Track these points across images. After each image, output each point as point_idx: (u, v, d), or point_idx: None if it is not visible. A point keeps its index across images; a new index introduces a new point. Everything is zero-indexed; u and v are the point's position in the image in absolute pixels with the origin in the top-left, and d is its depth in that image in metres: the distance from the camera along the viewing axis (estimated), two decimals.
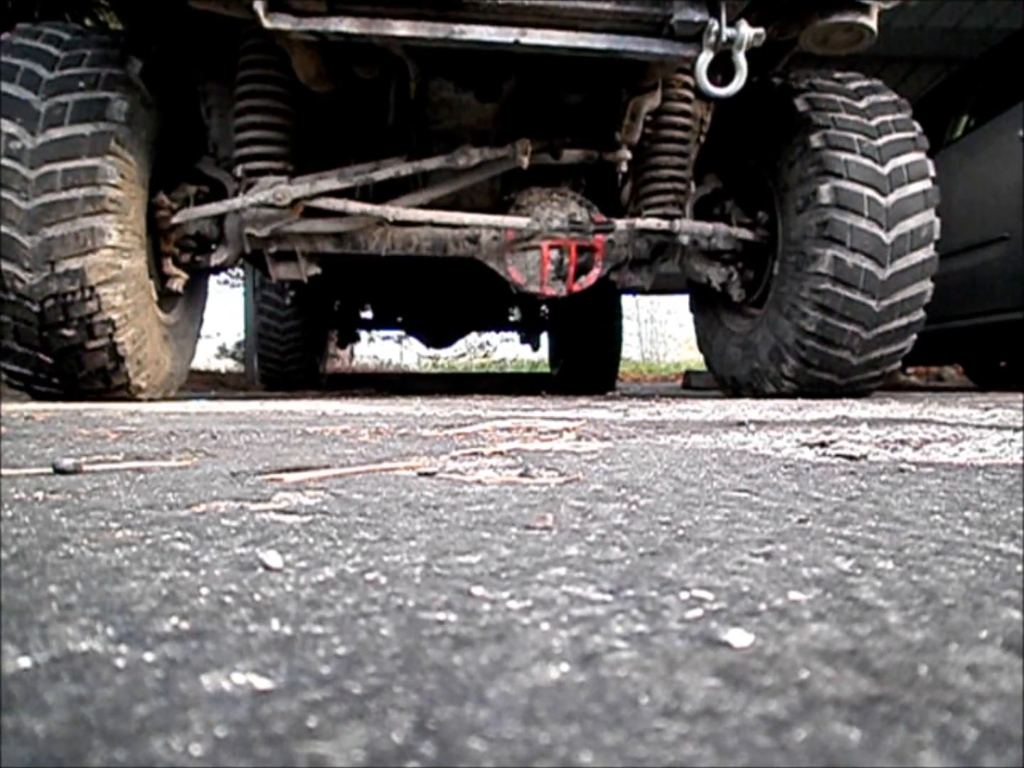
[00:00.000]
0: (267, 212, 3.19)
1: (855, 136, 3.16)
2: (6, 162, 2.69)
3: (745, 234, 3.54)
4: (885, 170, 3.12)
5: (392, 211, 3.23)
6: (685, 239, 3.48)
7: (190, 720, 0.30)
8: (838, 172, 3.10)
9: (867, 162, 3.12)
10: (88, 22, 6.29)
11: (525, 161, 3.25)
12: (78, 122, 2.76)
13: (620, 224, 3.44)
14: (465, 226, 3.37)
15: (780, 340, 3.34)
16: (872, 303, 3.12)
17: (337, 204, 3.19)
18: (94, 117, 2.79)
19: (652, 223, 3.45)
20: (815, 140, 3.16)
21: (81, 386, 2.99)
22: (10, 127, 2.71)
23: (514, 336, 8.71)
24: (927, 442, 1.34)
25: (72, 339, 2.85)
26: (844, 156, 3.11)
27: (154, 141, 3.06)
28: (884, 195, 3.10)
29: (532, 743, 0.28)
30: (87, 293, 2.80)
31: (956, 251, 3.44)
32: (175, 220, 3.21)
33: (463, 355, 17.97)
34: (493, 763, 0.27)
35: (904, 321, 3.20)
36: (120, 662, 0.36)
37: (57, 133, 2.73)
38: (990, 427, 1.63)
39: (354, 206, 3.20)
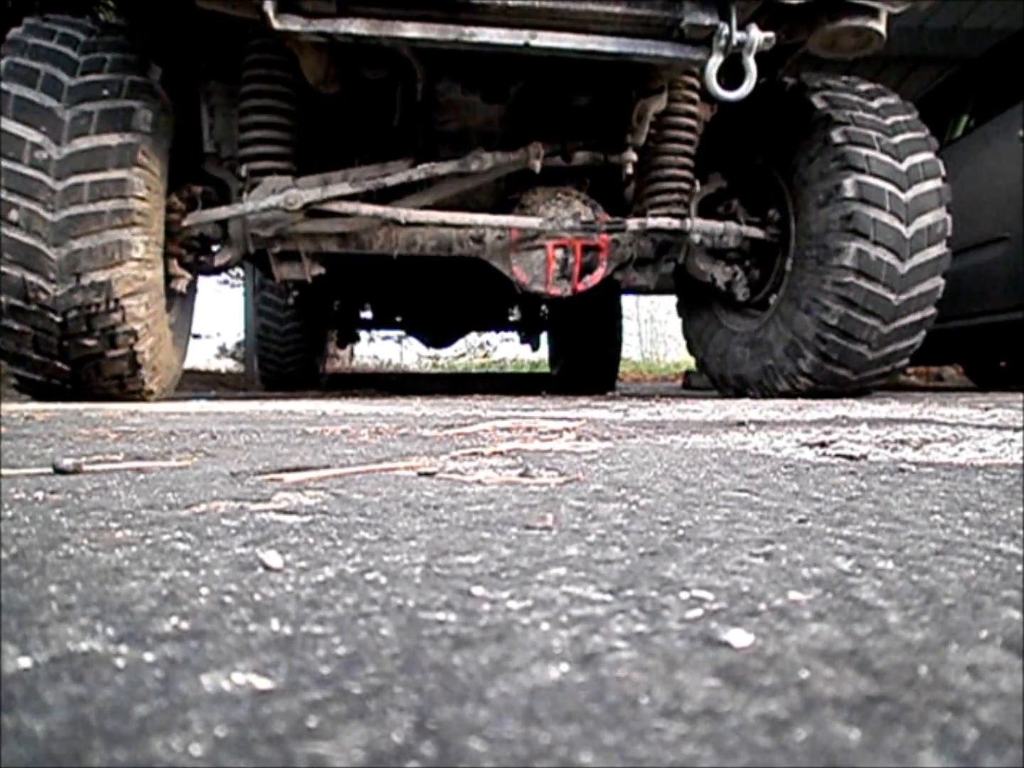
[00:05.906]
0: (272, 213, 3.17)
1: (873, 133, 3.18)
2: (32, 172, 2.63)
3: (756, 232, 3.54)
4: (903, 167, 3.15)
5: (406, 214, 3.21)
6: (697, 237, 3.47)
7: (190, 720, 0.30)
8: (860, 167, 3.12)
9: (886, 158, 3.14)
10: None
11: (537, 165, 3.24)
12: (104, 132, 2.71)
13: (632, 223, 3.42)
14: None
15: (798, 335, 3.32)
16: (892, 297, 3.15)
17: (348, 207, 3.17)
18: (120, 127, 2.74)
19: (663, 222, 3.43)
20: (836, 136, 3.17)
21: (95, 391, 2.96)
22: (35, 136, 2.64)
23: (514, 336, 8.69)
24: (927, 442, 1.34)
25: (92, 348, 2.82)
26: (865, 152, 3.14)
27: (170, 148, 3.03)
28: (903, 191, 3.13)
29: (532, 743, 0.28)
30: (112, 305, 2.77)
31: (956, 251, 3.46)
32: (185, 223, 3.17)
33: (463, 355, 17.95)
34: (493, 763, 0.27)
35: (918, 316, 3.25)
36: (120, 662, 0.36)
37: (83, 144, 2.68)
38: (990, 427, 1.63)
39: (365, 208, 3.18)
